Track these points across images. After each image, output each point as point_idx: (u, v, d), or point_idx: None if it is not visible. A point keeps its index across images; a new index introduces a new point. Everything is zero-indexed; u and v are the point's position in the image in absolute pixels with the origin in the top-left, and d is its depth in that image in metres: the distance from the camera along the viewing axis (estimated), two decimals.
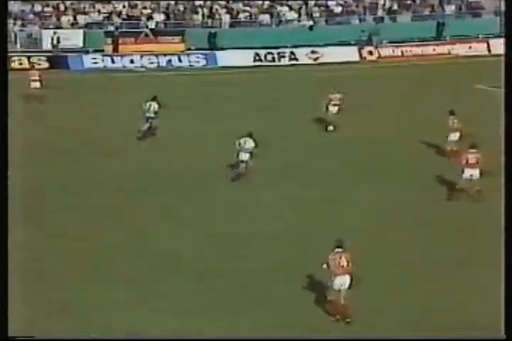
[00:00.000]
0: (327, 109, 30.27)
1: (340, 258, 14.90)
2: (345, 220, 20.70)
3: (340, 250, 15.00)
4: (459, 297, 16.27)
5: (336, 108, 30.16)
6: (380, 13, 53.37)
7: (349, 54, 48.31)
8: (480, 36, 51.20)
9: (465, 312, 15.53)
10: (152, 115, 29.00)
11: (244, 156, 23.68)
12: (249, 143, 23.72)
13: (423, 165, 25.86)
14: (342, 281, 14.91)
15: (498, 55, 48.67)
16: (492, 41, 50.39)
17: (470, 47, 50.03)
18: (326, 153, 27.37)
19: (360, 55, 48.91)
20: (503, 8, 53.68)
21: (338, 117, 30.35)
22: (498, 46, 50.06)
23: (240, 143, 23.80)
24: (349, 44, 49.42)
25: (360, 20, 52.74)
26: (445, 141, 26.70)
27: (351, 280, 14.95)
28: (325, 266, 15.12)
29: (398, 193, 23.03)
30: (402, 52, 49.39)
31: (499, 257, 16.17)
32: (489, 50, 50.16)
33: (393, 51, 49.41)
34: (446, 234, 19.97)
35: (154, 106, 28.98)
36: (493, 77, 40.66)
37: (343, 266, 14.87)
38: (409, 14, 53.86)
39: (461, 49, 49.78)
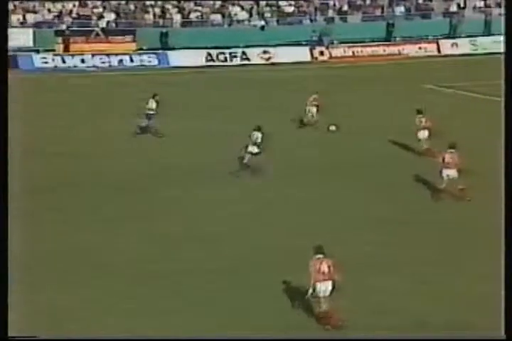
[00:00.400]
0: (305, 109, 30.86)
1: (321, 264, 14.57)
2: (298, 220, 20.81)
3: (320, 256, 14.65)
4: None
5: (315, 108, 30.76)
6: (330, 13, 53.85)
7: (301, 54, 48.73)
8: (430, 37, 52.00)
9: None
10: (151, 112, 29.38)
11: (253, 149, 24.68)
12: (257, 137, 24.82)
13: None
14: (323, 288, 14.59)
15: (448, 56, 49.76)
16: (442, 42, 51.33)
17: (420, 48, 50.72)
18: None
19: (312, 55, 49.34)
20: (452, 9, 54.75)
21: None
22: (448, 47, 51.09)
23: (250, 137, 24.94)
24: (300, 44, 49.87)
25: (311, 20, 53.17)
26: (415, 139, 26.85)
27: (333, 286, 14.66)
28: (311, 290, 14.69)
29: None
30: (353, 52, 49.97)
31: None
32: (439, 51, 50.94)
33: (344, 51, 49.96)
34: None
35: (153, 103, 29.38)
36: (443, 77, 41.49)
37: (323, 273, 14.54)
38: (360, 15, 54.43)
39: (411, 49, 50.47)
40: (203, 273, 17.25)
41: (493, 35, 52.20)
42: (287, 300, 15.76)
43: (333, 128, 30.13)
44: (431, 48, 50.84)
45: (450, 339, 14.19)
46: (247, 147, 24.74)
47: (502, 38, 55.89)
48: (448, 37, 52.24)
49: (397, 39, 51.74)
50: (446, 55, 50.07)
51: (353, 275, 15.78)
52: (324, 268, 14.51)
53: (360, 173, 24.85)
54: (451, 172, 21.85)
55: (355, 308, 15.20)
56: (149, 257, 18.27)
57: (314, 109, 30.90)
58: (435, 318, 15.22)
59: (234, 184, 23.81)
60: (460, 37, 52.17)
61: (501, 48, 57.90)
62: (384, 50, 50.26)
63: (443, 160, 21.92)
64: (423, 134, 26.62)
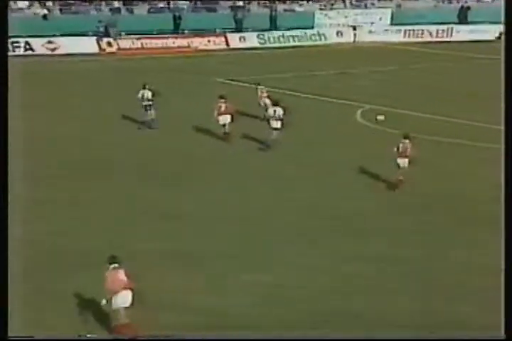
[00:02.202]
0: (258, 103, 31.22)
1: (118, 273, 14.60)
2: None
3: (116, 265, 14.68)
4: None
5: (268, 100, 30.79)
6: (116, 3, 55.42)
7: (88, 45, 49.62)
8: (218, 30, 54.78)
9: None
10: (150, 103, 30.15)
11: (276, 124, 26.97)
12: (279, 111, 26.95)
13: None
14: (124, 298, 14.64)
15: (236, 49, 52.79)
16: (230, 35, 54.14)
17: (209, 41, 53.17)
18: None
19: (100, 47, 50.41)
20: (238, 3, 58.06)
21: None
22: (236, 40, 54.20)
23: (270, 113, 27.16)
24: (87, 35, 50.80)
25: (97, 10, 54.51)
26: (217, 124, 28.40)
27: (133, 296, 14.68)
28: (104, 301, 14.70)
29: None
30: (142, 44, 51.54)
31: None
32: (227, 44, 53.74)
33: (133, 43, 51.35)
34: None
35: (148, 94, 30.05)
36: (229, 70, 44.17)
37: (122, 282, 14.59)
38: (146, 6, 56.40)
39: (200, 42, 52.78)
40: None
41: (278, 29, 56.08)
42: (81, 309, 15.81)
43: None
44: (219, 41, 53.43)
45: (450, 339, 14.54)
46: (268, 123, 26.80)
47: (289, 33, 59.37)
48: (236, 30, 55.45)
49: (186, 31, 54.26)
50: (234, 49, 53.06)
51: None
52: (122, 277, 14.58)
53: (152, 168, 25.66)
54: (402, 161, 23.26)
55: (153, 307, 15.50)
56: None
57: (268, 101, 30.46)
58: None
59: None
60: (248, 31, 55.56)
61: (288, 42, 61.55)
62: (173, 43, 52.09)
63: (397, 149, 23.33)
64: (224, 119, 28.25)
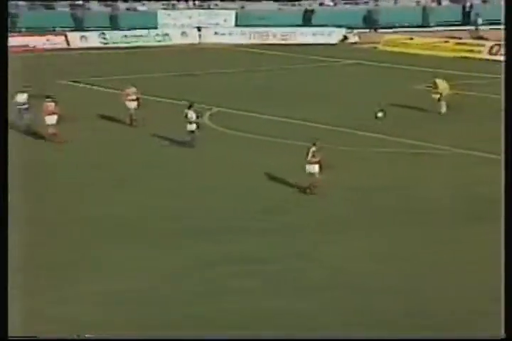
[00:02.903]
0: (125, 104, 31.00)
1: None
2: None
3: None
4: None
5: (135, 103, 30.83)
6: None
7: None
8: (57, 29, 53.86)
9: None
10: (25, 106, 29.59)
11: (191, 127, 28.02)
12: (191, 114, 27.94)
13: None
14: None
15: (77, 49, 51.98)
16: (70, 34, 53.42)
17: (48, 40, 52.22)
18: None
19: None
20: (77, 2, 57.18)
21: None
22: (77, 40, 53.42)
23: (186, 116, 27.99)
24: None
25: None
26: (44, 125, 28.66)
27: None
28: None
29: None
30: None
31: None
32: (68, 43, 52.94)
33: None
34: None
35: (23, 95, 29.61)
36: (71, 71, 43.41)
37: None
38: None
39: (38, 41, 51.77)
40: None
41: (121, 29, 55.58)
42: None
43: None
44: (59, 41, 52.60)
45: (450, 339, 14.78)
46: (186, 126, 27.81)
47: (132, 33, 58.78)
48: (76, 30, 54.71)
49: (23, 30, 53.01)
50: (75, 48, 52.21)
51: None
52: None
53: None
54: (312, 168, 23.63)
55: None
56: None
57: (133, 105, 30.92)
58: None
59: None
60: (89, 30, 54.89)
61: (131, 42, 60.75)
62: (9, 42, 50.77)
63: (306, 155, 23.70)
64: (51, 119, 28.51)
